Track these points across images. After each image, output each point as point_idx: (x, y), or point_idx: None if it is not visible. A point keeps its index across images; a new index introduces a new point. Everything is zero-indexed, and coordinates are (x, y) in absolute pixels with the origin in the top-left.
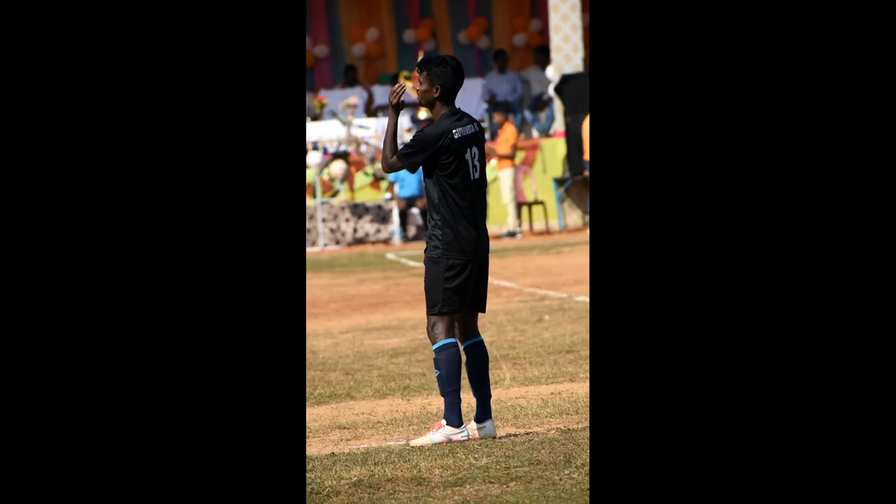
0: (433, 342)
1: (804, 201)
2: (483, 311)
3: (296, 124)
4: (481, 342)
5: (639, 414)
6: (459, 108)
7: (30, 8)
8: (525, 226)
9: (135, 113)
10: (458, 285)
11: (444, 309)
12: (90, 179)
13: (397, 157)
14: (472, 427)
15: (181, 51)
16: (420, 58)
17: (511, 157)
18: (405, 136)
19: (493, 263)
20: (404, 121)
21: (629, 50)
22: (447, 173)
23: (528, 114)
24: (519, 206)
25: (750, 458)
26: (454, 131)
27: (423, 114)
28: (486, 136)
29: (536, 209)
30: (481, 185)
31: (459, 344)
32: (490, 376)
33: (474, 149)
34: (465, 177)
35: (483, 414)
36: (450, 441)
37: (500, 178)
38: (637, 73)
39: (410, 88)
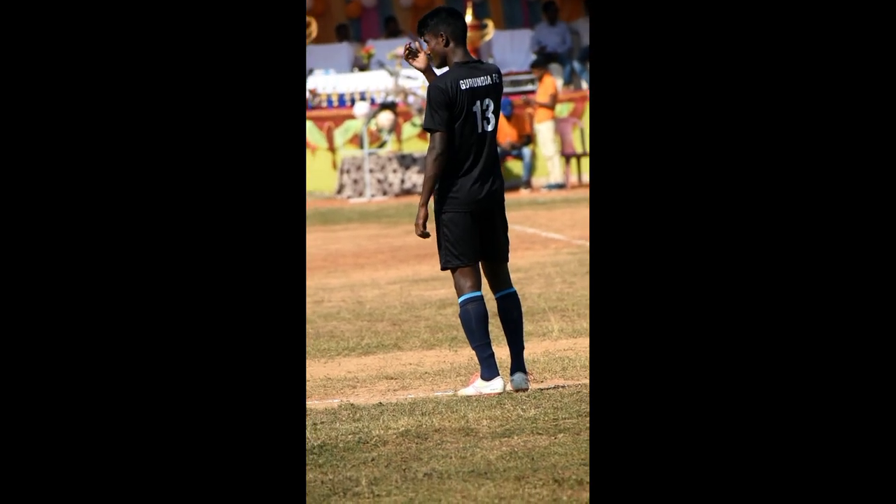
0: (458, 296)
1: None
2: (503, 260)
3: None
4: (512, 294)
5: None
6: (478, 59)
7: (27, 5)
8: (574, 178)
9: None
10: (457, 238)
11: (447, 264)
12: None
13: (428, 130)
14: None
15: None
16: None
17: (550, 108)
18: (422, 93)
19: (542, 215)
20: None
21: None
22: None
23: (577, 65)
24: (567, 157)
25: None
26: (461, 82)
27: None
28: (531, 87)
29: (585, 161)
30: (493, 138)
31: (493, 295)
32: (537, 328)
33: (487, 100)
34: (470, 129)
35: (515, 366)
36: (480, 394)
37: (538, 132)
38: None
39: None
